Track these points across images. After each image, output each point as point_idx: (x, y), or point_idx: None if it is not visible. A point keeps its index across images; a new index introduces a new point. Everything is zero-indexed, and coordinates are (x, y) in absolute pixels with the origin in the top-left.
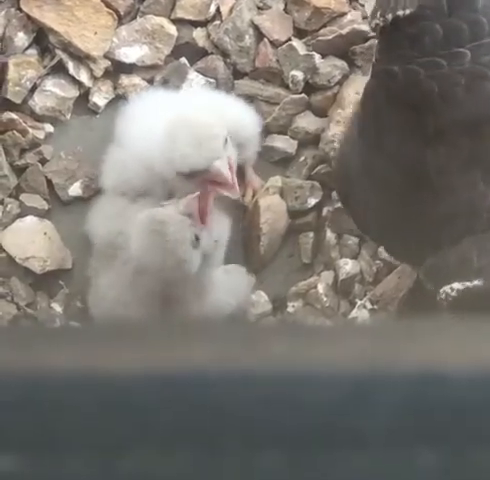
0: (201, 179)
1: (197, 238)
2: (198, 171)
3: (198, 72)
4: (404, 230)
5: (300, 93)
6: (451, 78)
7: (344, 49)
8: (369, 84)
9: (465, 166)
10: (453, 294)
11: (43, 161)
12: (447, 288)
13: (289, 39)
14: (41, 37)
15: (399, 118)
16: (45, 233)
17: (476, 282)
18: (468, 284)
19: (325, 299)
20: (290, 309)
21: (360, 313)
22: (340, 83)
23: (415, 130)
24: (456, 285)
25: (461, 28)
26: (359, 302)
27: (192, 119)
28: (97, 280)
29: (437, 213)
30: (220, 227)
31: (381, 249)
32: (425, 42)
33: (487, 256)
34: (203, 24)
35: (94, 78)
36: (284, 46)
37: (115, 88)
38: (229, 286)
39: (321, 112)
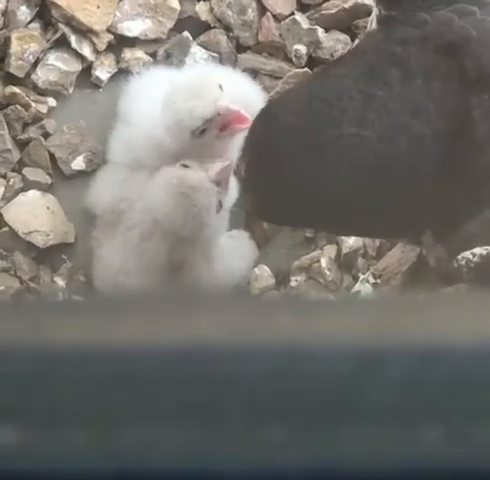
0: (215, 131)
1: (221, 204)
2: (209, 119)
3: (201, 46)
4: (440, 192)
5: (303, 67)
6: (486, 23)
7: (347, 23)
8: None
9: None
10: (475, 259)
11: (46, 135)
12: (467, 254)
13: (292, 13)
14: (44, 11)
15: (436, 64)
16: (48, 207)
17: None
18: None
19: (328, 273)
20: (293, 283)
21: (363, 287)
22: None
23: (455, 76)
24: (478, 250)
25: None
26: (362, 276)
27: (183, 81)
28: (100, 251)
29: (478, 167)
30: (231, 190)
31: None
32: None
33: None
34: None
35: (97, 52)
36: (287, 20)
37: (118, 62)
38: (235, 251)
39: None
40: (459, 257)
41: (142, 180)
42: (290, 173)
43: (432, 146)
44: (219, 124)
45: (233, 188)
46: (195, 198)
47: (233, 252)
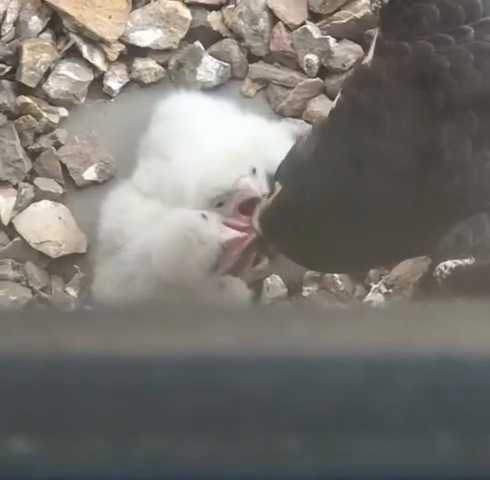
0: (231, 207)
1: (216, 267)
2: (227, 191)
3: (212, 56)
4: (414, 213)
5: (315, 77)
6: (461, 53)
7: (358, 33)
8: (373, 62)
9: (475, 143)
10: (446, 272)
11: (57, 145)
12: (441, 265)
13: (304, 23)
14: (55, 21)
15: (409, 94)
16: (60, 217)
17: (467, 261)
18: (460, 262)
19: (340, 283)
20: (305, 293)
21: (375, 297)
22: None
23: (425, 106)
24: (449, 263)
25: (457, 9)
26: (374, 286)
27: (226, 151)
28: (100, 268)
29: (447, 191)
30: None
31: None
32: (423, 23)
33: (481, 236)
34: (217, 8)
35: (108, 62)
36: (299, 30)
37: (129, 72)
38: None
39: (335, 96)
40: (436, 268)
41: (147, 216)
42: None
43: (402, 178)
44: (238, 203)
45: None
46: (196, 249)
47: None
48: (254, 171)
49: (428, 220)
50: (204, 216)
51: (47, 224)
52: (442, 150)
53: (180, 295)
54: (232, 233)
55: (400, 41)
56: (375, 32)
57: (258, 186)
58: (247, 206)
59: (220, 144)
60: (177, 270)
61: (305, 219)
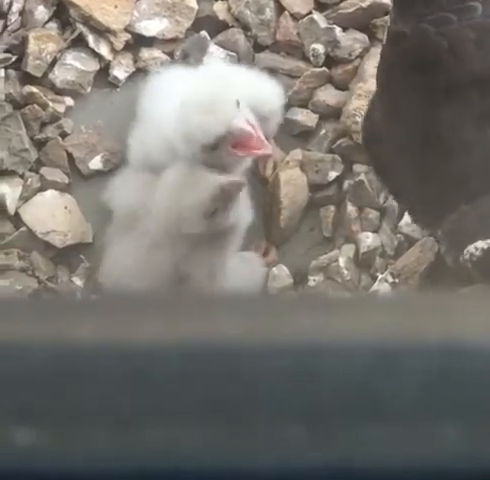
0: (227, 147)
1: (213, 213)
2: (221, 137)
3: (218, 45)
4: (422, 191)
5: (321, 66)
6: (461, 33)
7: (365, 22)
8: (383, 48)
9: (477, 123)
10: (478, 253)
11: (63, 135)
12: (471, 248)
13: (310, 12)
14: (61, 10)
15: (412, 79)
16: (66, 207)
17: None
18: None
19: (346, 273)
20: (311, 283)
21: (381, 287)
22: (361, 56)
23: (427, 90)
24: (480, 244)
25: None
26: (380, 276)
27: (199, 91)
28: (112, 248)
29: (451, 172)
30: (242, 212)
31: (402, 223)
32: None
33: None
34: None
35: (114, 51)
36: (305, 19)
37: (135, 61)
38: (243, 273)
39: (342, 85)
40: (464, 251)
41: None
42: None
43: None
44: (231, 142)
45: (247, 210)
46: (191, 191)
47: (240, 274)
48: (238, 104)
49: (431, 200)
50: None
51: (53, 214)
52: (443, 131)
53: (199, 262)
54: (229, 177)
55: (408, 22)
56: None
57: (247, 120)
58: (241, 142)
59: (196, 91)
60: (173, 214)
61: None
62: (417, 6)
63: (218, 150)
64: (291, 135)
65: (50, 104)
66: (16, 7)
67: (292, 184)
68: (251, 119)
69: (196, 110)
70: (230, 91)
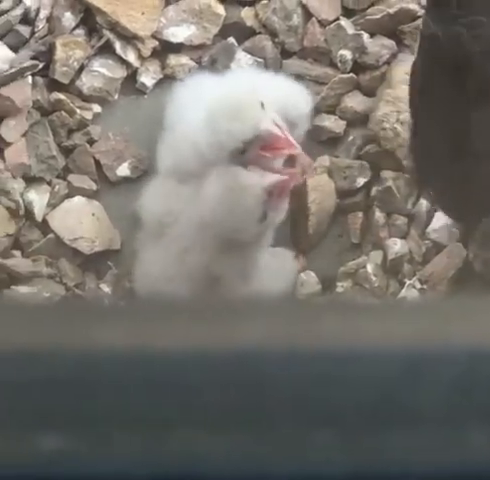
0: (256, 150)
1: (265, 216)
2: (249, 141)
3: (246, 52)
4: (460, 192)
5: (348, 73)
6: None
7: (392, 28)
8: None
9: None
10: None
11: (91, 141)
12: None
13: (337, 18)
14: (88, 17)
15: (444, 82)
16: (93, 214)
17: None
18: None
19: (374, 279)
20: (339, 289)
21: (409, 293)
22: (389, 62)
23: (459, 93)
24: None
25: None
26: (408, 282)
27: (223, 96)
28: (143, 254)
29: (485, 175)
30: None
31: (430, 229)
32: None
33: None
34: (251, 3)
35: (142, 58)
36: (332, 25)
37: (163, 68)
38: (275, 270)
39: (370, 92)
40: None
41: (189, 193)
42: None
43: None
44: (260, 145)
45: (283, 206)
46: (241, 197)
47: (273, 271)
48: (262, 106)
49: (471, 200)
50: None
51: (81, 220)
52: (475, 134)
53: (232, 262)
54: (275, 177)
55: (441, 24)
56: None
57: (275, 122)
58: (270, 145)
59: (221, 97)
60: (227, 223)
61: None
62: (450, 9)
63: (247, 154)
64: (319, 141)
65: (77, 111)
66: (43, 14)
67: (320, 190)
68: (277, 120)
69: (222, 116)
70: (254, 94)
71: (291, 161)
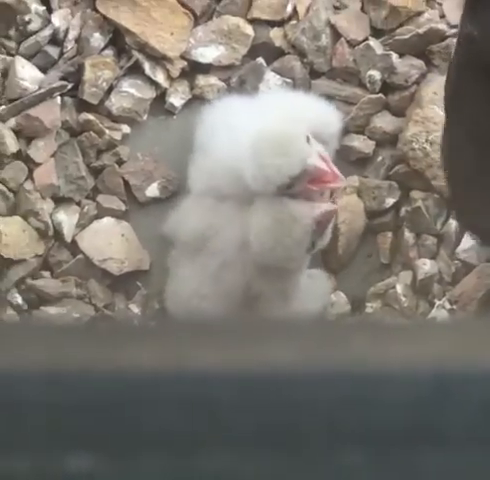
0: (302, 184)
1: (313, 245)
2: (296, 177)
3: (275, 72)
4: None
5: (377, 93)
6: None
7: (421, 48)
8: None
9: None
10: None
11: (120, 162)
12: None
13: (366, 38)
14: (117, 38)
15: (480, 82)
16: (122, 234)
17: None
18: None
19: (404, 299)
20: (369, 309)
21: (439, 313)
22: (418, 82)
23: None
24: None
25: None
26: (438, 302)
27: (270, 132)
28: (177, 271)
29: None
30: None
31: (459, 249)
32: None
33: None
34: (280, 24)
35: (170, 79)
36: (361, 46)
37: (192, 88)
38: (312, 290)
39: (399, 112)
40: None
41: (228, 210)
42: None
43: None
44: (307, 180)
45: (328, 233)
46: (291, 229)
47: (309, 292)
48: (308, 140)
49: None
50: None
51: (110, 241)
52: None
53: (270, 283)
54: (324, 206)
55: (479, 25)
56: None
57: (321, 157)
58: (316, 179)
59: (265, 131)
60: (276, 253)
61: None
62: (487, 9)
63: (294, 188)
64: (348, 162)
65: (106, 131)
66: (72, 34)
67: (349, 211)
68: (322, 152)
69: (268, 151)
70: (300, 127)
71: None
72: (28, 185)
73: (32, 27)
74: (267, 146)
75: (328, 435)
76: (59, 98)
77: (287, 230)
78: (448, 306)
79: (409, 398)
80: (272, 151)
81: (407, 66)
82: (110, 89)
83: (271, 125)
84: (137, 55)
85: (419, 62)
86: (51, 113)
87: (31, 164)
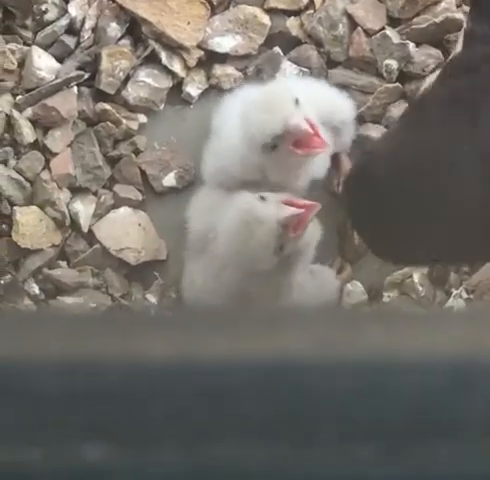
0: (286, 147)
1: (281, 248)
2: (278, 136)
3: (291, 61)
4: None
5: (394, 82)
6: None
7: (438, 37)
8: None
9: None
10: None
11: (137, 152)
12: None
13: (383, 28)
14: (134, 27)
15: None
16: (139, 224)
17: None
18: None
19: (420, 289)
20: (385, 299)
21: (456, 303)
22: (434, 72)
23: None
24: None
25: None
26: (455, 292)
27: (259, 93)
28: (189, 266)
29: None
30: (311, 232)
31: None
32: None
33: None
34: (296, 13)
35: (187, 68)
36: (378, 35)
37: (208, 78)
38: (314, 288)
39: None
40: None
41: (226, 207)
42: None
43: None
44: (291, 141)
45: (315, 227)
46: (255, 231)
47: (312, 288)
48: (297, 102)
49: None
50: (262, 198)
51: (127, 231)
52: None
53: (264, 282)
54: (290, 210)
55: (485, 33)
56: (465, 24)
57: (306, 118)
58: (301, 141)
59: (256, 93)
60: (243, 254)
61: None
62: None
63: (278, 151)
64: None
65: (123, 121)
66: (89, 24)
67: None
68: (311, 118)
69: (255, 110)
70: (289, 91)
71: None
72: (45, 175)
73: (49, 17)
74: (254, 105)
75: (342, 424)
76: (76, 88)
77: (250, 232)
78: (465, 295)
79: (424, 388)
80: (257, 108)
81: (424, 55)
82: (127, 79)
83: (262, 89)
84: (154, 45)
85: (436, 51)
86: (68, 103)
87: (48, 154)
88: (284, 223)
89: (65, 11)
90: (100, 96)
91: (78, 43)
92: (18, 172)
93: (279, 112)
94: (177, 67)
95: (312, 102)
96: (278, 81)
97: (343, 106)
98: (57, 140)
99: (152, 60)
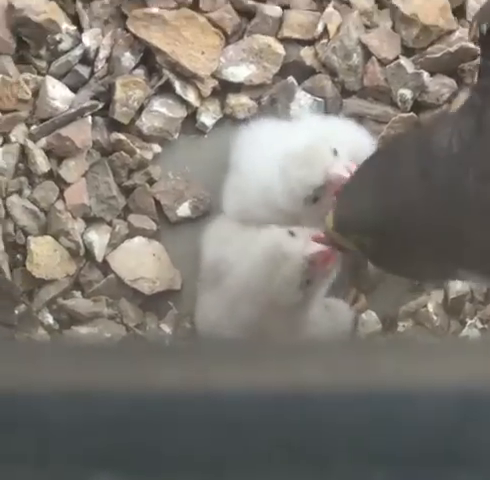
0: (328, 196)
1: (308, 282)
2: (320, 187)
3: (306, 91)
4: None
5: (409, 111)
6: None
7: (453, 67)
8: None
9: None
10: None
11: (151, 182)
12: None
13: (397, 57)
14: (148, 57)
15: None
16: (154, 254)
17: None
18: None
19: (435, 318)
20: (400, 328)
21: (470, 332)
22: (449, 101)
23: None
24: None
25: None
26: (469, 321)
27: (295, 145)
28: (204, 296)
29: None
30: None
31: None
32: None
33: None
34: (310, 43)
35: (201, 98)
36: (392, 64)
37: (223, 108)
38: (328, 321)
39: None
40: None
41: (246, 240)
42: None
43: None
44: (333, 191)
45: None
46: (282, 266)
47: (326, 321)
48: (336, 153)
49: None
50: (291, 233)
51: (141, 261)
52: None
53: (280, 316)
54: (317, 247)
55: None
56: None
57: (346, 167)
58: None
59: (293, 146)
60: (268, 289)
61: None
62: None
63: (320, 201)
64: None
65: (137, 151)
66: (103, 54)
67: None
68: (349, 165)
69: (294, 165)
70: (326, 141)
71: None
72: (59, 205)
73: (63, 46)
74: (293, 160)
75: (357, 454)
76: (90, 118)
77: (277, 267)
78: (480, 325)
79: (438, 417)
80: (297, 164)
81: (438, 85)
82: (141, 108)
83: (297, 140)
84: (168, 74)
85: (450, 81)
86: (82, 133)
87: (62, 184)
88: (310, 259)
89: (79, 41)
90: (114, 126)
91: (92, 73)
92: (32, 202)
93: (318, 164)
94: (191, 97)
95: (338, 141)
96: (308, 126)
97: (365, 143)
98: (71, 170)
99: (166, 90)
